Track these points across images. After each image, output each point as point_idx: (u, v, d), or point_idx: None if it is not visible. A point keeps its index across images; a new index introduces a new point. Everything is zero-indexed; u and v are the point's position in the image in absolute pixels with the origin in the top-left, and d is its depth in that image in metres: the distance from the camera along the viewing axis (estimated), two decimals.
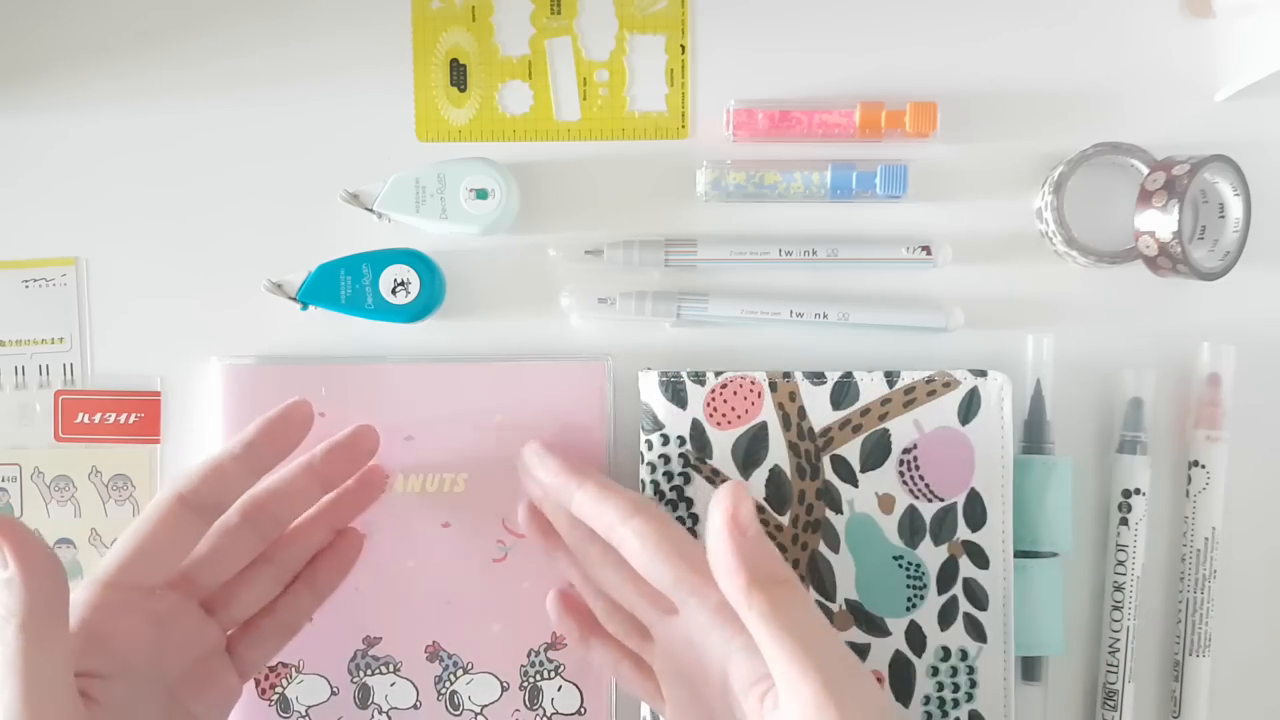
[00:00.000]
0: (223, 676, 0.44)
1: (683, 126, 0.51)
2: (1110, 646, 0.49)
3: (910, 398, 0.49)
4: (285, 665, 0.50)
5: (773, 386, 0.49)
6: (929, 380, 0.49)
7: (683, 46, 0.51)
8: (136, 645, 0.39)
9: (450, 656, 0.50)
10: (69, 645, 0.36)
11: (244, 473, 0.42)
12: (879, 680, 0.48)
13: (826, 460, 0.49)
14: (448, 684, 0.50)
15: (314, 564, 0.47)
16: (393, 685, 0.50)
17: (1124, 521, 0.49)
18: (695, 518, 0.49)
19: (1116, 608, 0.49)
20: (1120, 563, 0.49)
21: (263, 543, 0.45)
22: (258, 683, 0.50)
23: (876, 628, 0.48)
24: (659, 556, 0.41)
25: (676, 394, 0.49)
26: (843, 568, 0.48)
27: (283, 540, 0.46)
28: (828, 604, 0.48)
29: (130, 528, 0.40)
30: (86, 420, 0.52)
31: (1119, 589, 0.49)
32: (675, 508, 0.49)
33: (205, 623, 0.43)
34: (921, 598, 0.48)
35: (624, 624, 0.46)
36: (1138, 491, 0.49)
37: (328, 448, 0.46)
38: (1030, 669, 0.50)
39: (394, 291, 0.50)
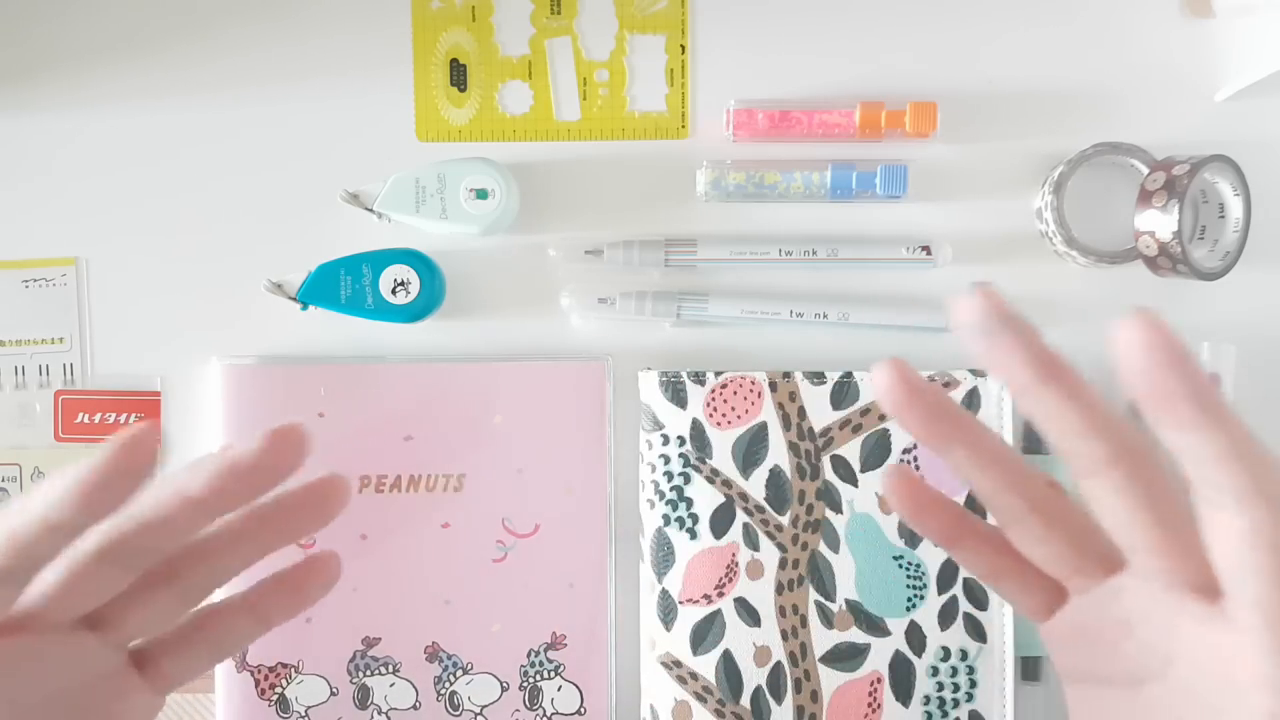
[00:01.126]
0: (126, 700, 0.37)
1: (683, 126, 0.51)
2: None
3: None
4: (285, 665, 0.50)
5: (773, 386, 0.49)
6: (929, 380, 0.49)
7: (683, 46, 0.51)
8: None
9: (450, 657, 0.50)
10: None
11: (52, 542, 0.33)
12: (878, 680, 0.48)
13: (826, 460, 0.49)
14: (447, 684, 0.50)
15: (267, 587, 0.39)
16: (392, 686, 0.50)
17: None
18: (695, 518, 0.49)
19: None
20: None
21: (129, 574, 0.36)
22: (258, 683, 0.50)
23: (876, 628, 0.48)
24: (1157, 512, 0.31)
25: (676, 394, 0.49)
26: (843, 568, 0.48)
27: (188, 557, 0.37)
28: (828, 604, 0.48)
29: None
30: (86, 420, 0.52)
31: None
32: (675, 508, 0.49)
33: (82, 646, 0.36)
34: (921, 598, 0.48)
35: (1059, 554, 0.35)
36: None
37: (212, 468, 0.33)
38: (1030, 669, 0.50)
39: (394, 291, 0.50)
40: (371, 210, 0.50)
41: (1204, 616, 0.32)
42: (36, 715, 0.35)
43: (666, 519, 0.49)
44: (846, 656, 0.48)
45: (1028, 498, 0.34)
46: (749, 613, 0.48)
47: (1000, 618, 0.48)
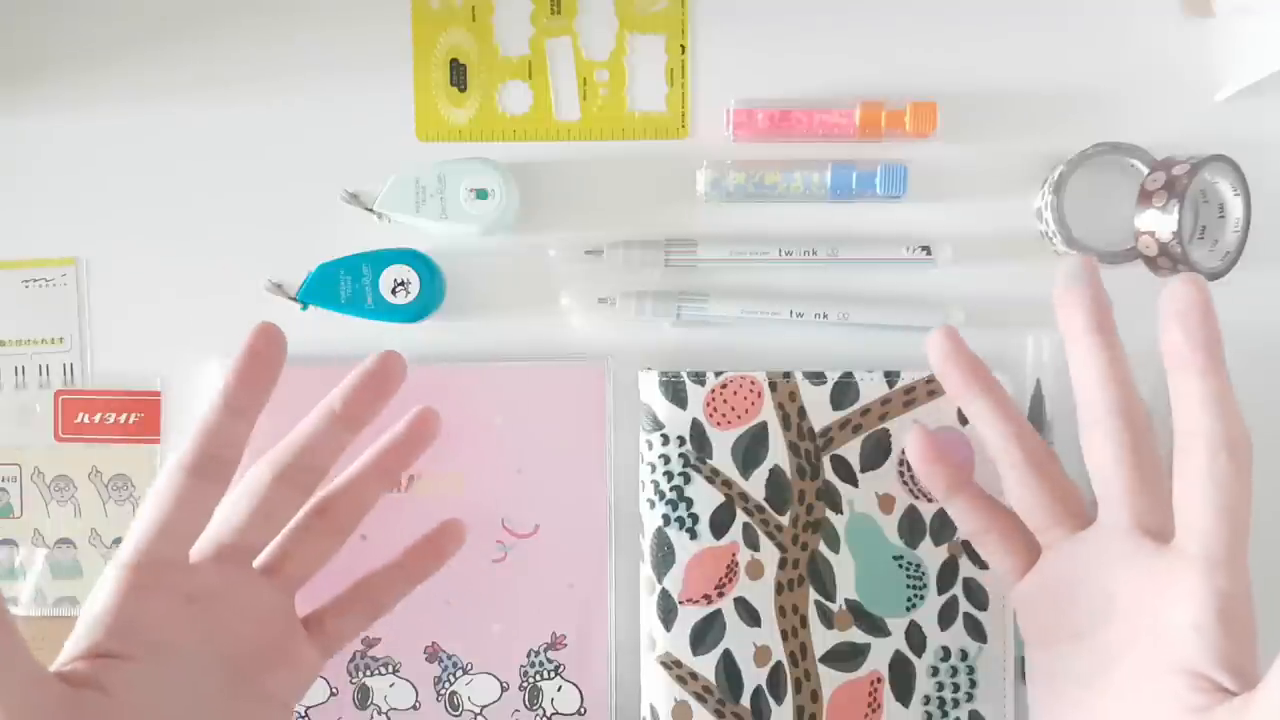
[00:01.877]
0: (296, 648, 0.42)
1: (683, 126, 0.51)
2: None
3: (910, 398, 0.49)
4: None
5: (773, 386, 0.49)
6: (929, 380, 0.49)
7: (683, 46, 0.51)
8: (171, 624, 0.38)
9: (450, 657, 0.50)
10: (10, 629, 0.34)
11: (232, 420, 0.41)
12: (878, 680, 0.48)
13: (826, 460, 0.49)
14: (447, 684, 0.50)
15: (411, 547, 0.47)
16: (392, 686, 0.50)
17: None
18: (695, 518, 0.49)
19: None
20: None
21: (304, 495, 0.43)
22: None
23: (876, 628, 0.48)
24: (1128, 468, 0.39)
25: (676, 394, 0.49)
26: (843, 568, 0.48)
27: (334, 494, 0.45)
28: (828, 604, 0.48)
29: (142, 507, 0.40)
30: (86, 420, 0.52)
31: None
32: (675, 508, 0.49)
33: (264, 589, 0.42)
34: (921, 598, 0.48)
35: (1037, 507, 0.42)
36: None
37: (345, 386, 0.44)
38: None
39: (394, 291, 0.50)
40: (371, 210, 0.50)
41: (1151, 551, 0.37)
42: (227, 649, 0.40)
43: (666, 519, 0.49)
44: (846, 656, 0.48)
45: (1026, 450, 0.42)
46: (749, 613, 0.48)
47: (1001, 618, 0.48)
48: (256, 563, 0.43)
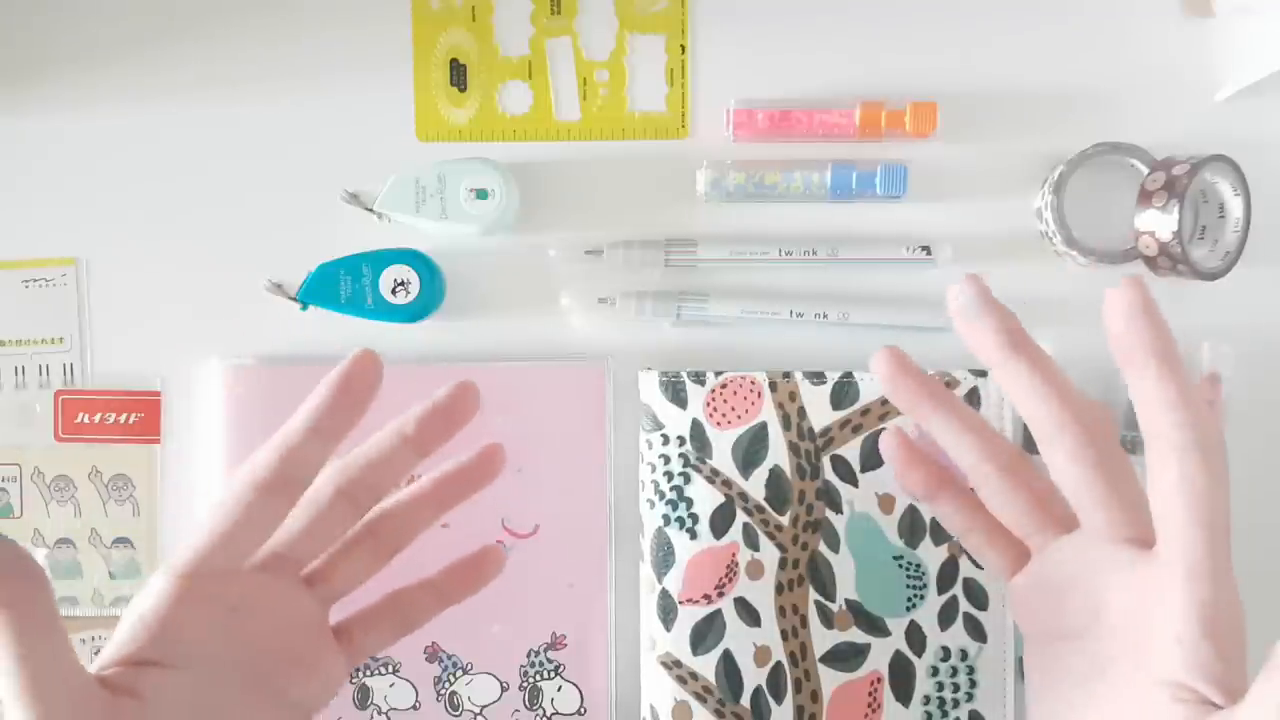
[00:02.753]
0: (325, 657, 0.42)
1: (683, 126, 0.51)
2: None
3: None
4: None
5: (773, 386, 0.49)
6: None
7: (683, 46, 0.51)
8: (213, 634, 0.38)
9: (450, 657, 0.50)
10: (61, 633, 0.34)
11: (316, 446, 0.39)
12: (878, 680, 0.48)
13: (826, 460, 0.49)
14: (447, 684, 0.50)
15: (448, 569, 0.46)
16: (392, 686, 0.50)
17: None
18: (695, 518, 0.49)
19: None
20: None
21: (359, 513, 0.42)
22: None
23: (876, 628, 0.48)
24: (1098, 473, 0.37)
25: (676, 394, 0.49)
26: (843, 568, 0.48)
27: (388, 514, 0.44)
28: (828, 604, 0.48)
29: (206, 515, 0.39)
30: (86, 420, 0.52)
31: None
32: (675, 508, 0.49)
33: (302, 598, 0.41)
34: (921, 598, 0.48)
35: (1019, 511, 0.41)
36: None
37: (420, 412, 0.43)
38: None
39: (394, 291, 0.50)
40: (371, 210, 0.50)
41: (1135, 560, 0.36)
42: (258, 659, 0.40)
43: (666, 519, 0.49)
44: (846, 656, 0.48)
45: (998, 462, 0.40)
46: (749, 613, 0.48)
47: (1001, 618, 0.48)
48: (299, 572, 0.42)
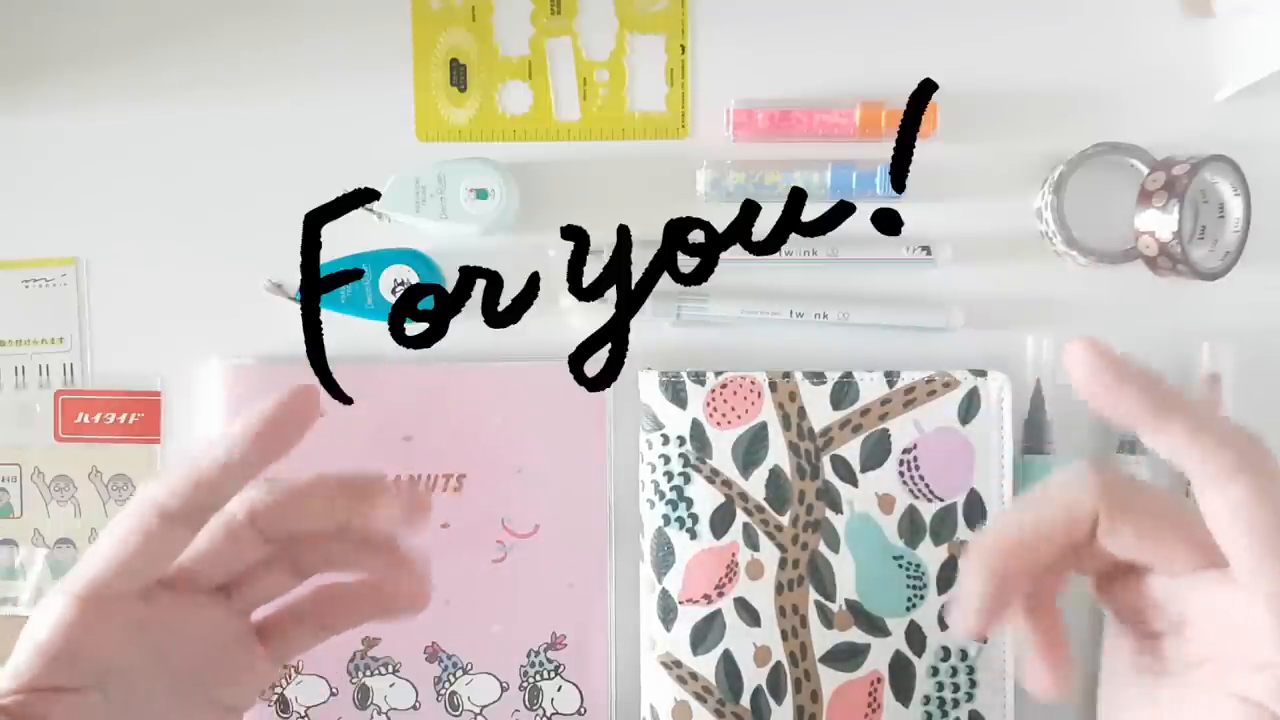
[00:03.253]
0: (250, 662, 0.40)
1: (682, 126, 0.51)
2: None
3: (910, 398, 0.49)
4: (285, 666, 0.50)
5: (773, 386, 0.49)
6: (929, 380, 0.49)
7: (683, 46, 0.51)
8: (120, 650, 0.36)
9: (450, 657, 0.50)
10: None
11: (229, 477, 0.36)
12: (878, 680, 0.48)
13: (826, 460, 0.49)
14: (447, 684, 0.50)
15: (371, 584, 0.41)
16: (392, 686, 0.50)
17: None
18: (695, 518, 0.49)
19: None
20: None
21: (268, 545, 0.40)
22: None
23: (876, 628, 0.48)
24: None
25: (676, 394, 0.49)
26: (843, 568, 0.48)
27: (303, 543, 0.40)
28: (828, 604, 0.48)
29: (103, 536, 0.36)
30: (86, 420, 0.52)
31: None
32: (675, 507, 0.49)
33: (217, 612, 0.39)
34: (922, 598, 0.48)
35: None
36: None
37: (349, 482, 0.39)
38: None
39: (394, 291, 0.50)
40: (372, 210, 0.50)
41: (1218, 579, 0.33)
42: (179, 668, 0.38)
43: (666, 519, 0.49)
44: (846, 656, 0.48)
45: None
46: (749, 613, 0.48)
47: None
48: (208, 590, 0.40)
